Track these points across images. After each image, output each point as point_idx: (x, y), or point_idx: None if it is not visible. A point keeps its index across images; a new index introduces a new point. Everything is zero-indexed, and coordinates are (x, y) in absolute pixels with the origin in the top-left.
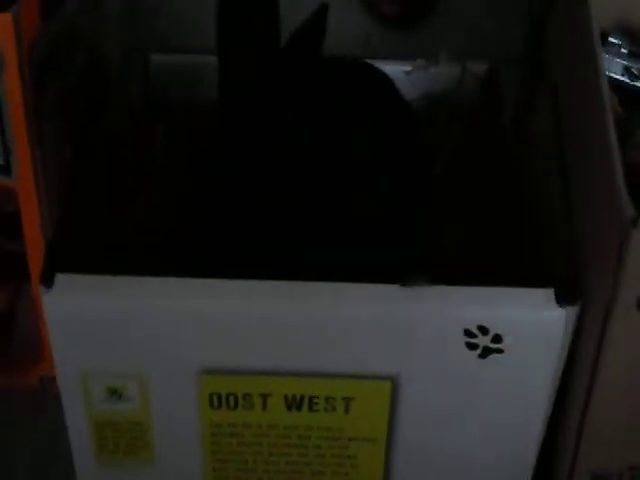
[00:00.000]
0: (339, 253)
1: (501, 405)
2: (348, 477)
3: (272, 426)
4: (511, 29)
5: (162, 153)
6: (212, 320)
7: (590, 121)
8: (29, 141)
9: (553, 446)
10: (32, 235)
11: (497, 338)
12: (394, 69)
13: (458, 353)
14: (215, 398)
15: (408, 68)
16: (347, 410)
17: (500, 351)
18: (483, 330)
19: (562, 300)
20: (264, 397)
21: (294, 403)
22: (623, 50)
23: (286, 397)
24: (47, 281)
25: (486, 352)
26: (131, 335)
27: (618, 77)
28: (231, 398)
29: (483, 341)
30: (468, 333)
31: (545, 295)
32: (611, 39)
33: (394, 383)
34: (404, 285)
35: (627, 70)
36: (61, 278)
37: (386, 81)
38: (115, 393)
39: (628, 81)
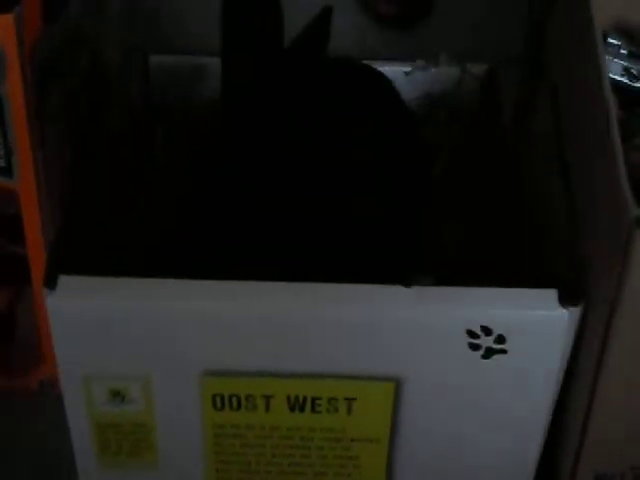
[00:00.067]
0: (340, 254)
1: (504, 405)
2: (350, 478)
3: (275, 427)
4: (511, 29)
5: (162, 154)
6: (215, 321)
7: (592, 121)
8: (31, 143)
9: (556, 446)
10: (33, 237)
11: (500, 339)
12: (394, 70)
13: (461, 354)
14: (218, 399)
15: (408, 69)
16: (350, 411)
17: (503, 352)
18: (486, 331)
19: (565, 300)
20: (267, 398)
21: (297, 404)
22: (622, 51)
23: (289, 398)
24: (50, 283)
25: (489, 353)
26: (134, 337)
27: (617, 78)
28: (234, 399)
29: (486, 342)
30: (471, 334)
31: (548, 295)
32: (610, 40)
33: (397, 384)
34: (407, 286)
35: (626, 71)
36: (64, 280)
37: (385, 82)
38: (118, 395)
39: (627, 82)
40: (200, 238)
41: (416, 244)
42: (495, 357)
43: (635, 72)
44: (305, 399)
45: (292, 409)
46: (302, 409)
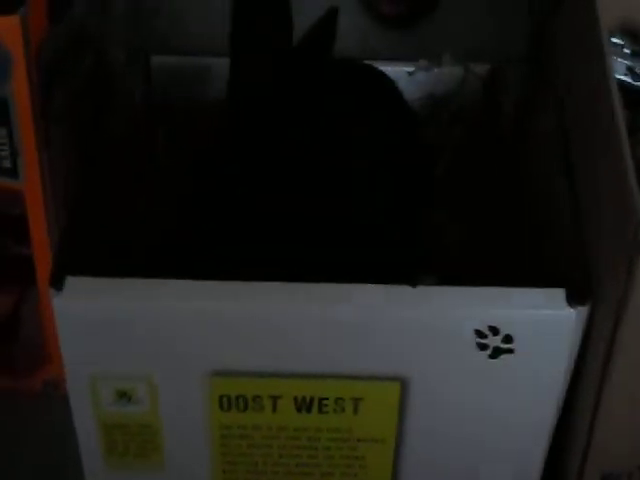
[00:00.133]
0: (343, 254)
1: (511, 405)
2: (357, 478)
3: (282, 428)
4: (514, 29)
5: (165, 154)
6: (221, 322)
7: (597, 120)
8: (37, 144)
9: (563, 446)
10: (39, 238)
11: (507, 338)
12: (396, 70)
13: (468, 354)
14: (225, 400)
15: (411, 69)
16: (356, 411)
17: (510, 351)
18: (494, 330)
19: (573, 300)
20: (274, 399)
21: (304, 405)
22: (626, 50)
23: (296, 399)
24: (57, 284)
25: (496, 352)
26: (140, 337)
27: (621, 77)
28: (241, 400)
29: (494, 341)
30: (479, 333)
31: (556, 295)
32: (614, 39)
33: (403, 384)
34: (414, 286)
35: (630, 70)
36: (71, 281)
37: (387, 82)
38: (124, 396)
39: (631, 81)
40: (202, 238)
41: (418, 244)
42: (502, 357)
43: (638, 71)
44: (312, 399)
45: (299, 409)
46: (309, 409)
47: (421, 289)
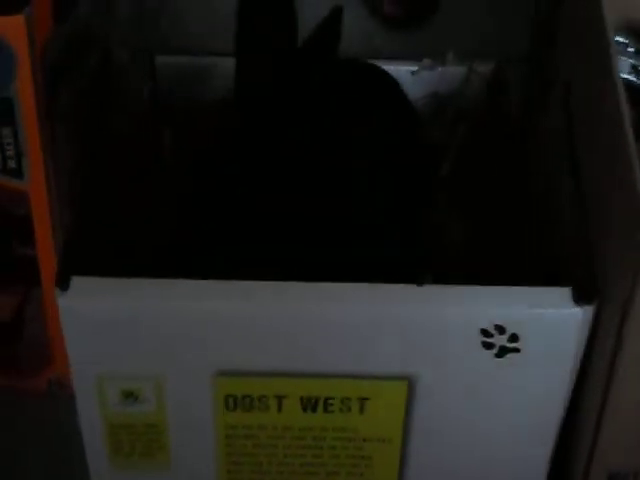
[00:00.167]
0: (345, 253)
1: (517, 404)
2: (363, 478)
3: (287, 428)
4: (517, 27)
5: (170, 154)
6: (227, 322)
7: (604, 119)
8: (41, 144)
9: (569, 445)
10: (43, 238)
11: (514, 337)
12: (400, 69)
13: (474, 352)
14: (231, 400)
15: (414, 68)
16: (362, 411)
17: (517, 350)
18: (500, 329)
19: (579, 299)
20: (280, 399)
21: (309, 404)
22: (630, 49)
23: (302, 398)
24: (63, 284)
25: (503, 351)
26: (147, 337)
27: (625, 76)
28: (247, 400)
29: (500, 340)
30: (485, 332)
31: (562, 294)
32: (617, 38)
33: (409, 383)
34: (419, 284)
35: (634, 69)
36: (77, 281)
37: (390, 81)
38: (131, 395)
39: (635, 80)
40: (204, 238)
41: (418, 243)
42: (508, 356)
43: None
44: (318, 399)
45: (305, 409)
46: (315, 409)
47: (427, 288)
